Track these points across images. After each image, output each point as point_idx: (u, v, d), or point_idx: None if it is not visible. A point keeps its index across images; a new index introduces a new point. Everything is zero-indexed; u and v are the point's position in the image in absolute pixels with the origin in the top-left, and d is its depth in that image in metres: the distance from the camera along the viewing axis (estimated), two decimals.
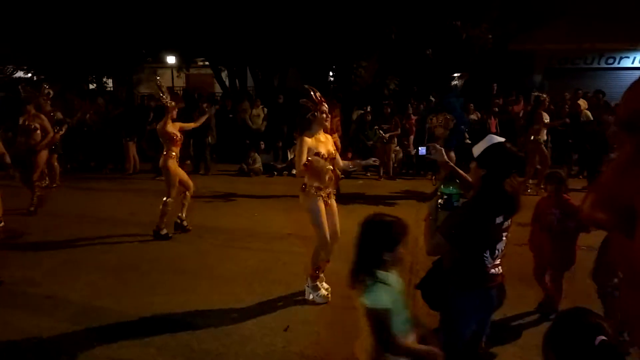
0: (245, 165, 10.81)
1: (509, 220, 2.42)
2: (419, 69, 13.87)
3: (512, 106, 11.38)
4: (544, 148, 8.72)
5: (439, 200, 2.53)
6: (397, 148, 10.79)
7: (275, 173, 10.80)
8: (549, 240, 3.86)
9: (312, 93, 4.13)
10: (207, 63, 16.91)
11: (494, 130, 10.71)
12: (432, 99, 11.72)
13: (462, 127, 8.63)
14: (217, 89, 17.30)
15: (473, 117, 11.06)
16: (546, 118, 8.62)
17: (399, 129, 10.72)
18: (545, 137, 8.74)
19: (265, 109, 12.15)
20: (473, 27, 12.65)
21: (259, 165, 10.88)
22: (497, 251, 2.40)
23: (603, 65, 14.28)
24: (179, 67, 18.63)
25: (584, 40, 13.39)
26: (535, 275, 4.06)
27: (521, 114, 10.47)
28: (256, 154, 10.96)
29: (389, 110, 10.90)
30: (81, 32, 13.26)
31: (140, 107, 12.93)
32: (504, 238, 2.42)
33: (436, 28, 12.48)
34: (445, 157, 2.85)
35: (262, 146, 11.34)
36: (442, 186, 2.57)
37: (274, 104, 12.40)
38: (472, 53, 13.58)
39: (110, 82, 19.71)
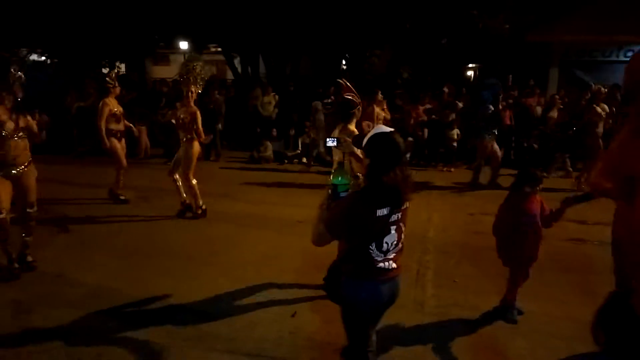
0: (256, 152, 10.80)
1: (399, 214, 2.31)
2: (433, 58, 13.72)
3: (526, 98, 11.21)
4: (601, 143, 8.46)
5: (328, 190, 2.46)
6: (410, 139, 10.70)
7: (286, 161, 10.78)
8: (529, 240, 3.74)
9: (352, 87, 4.20)
10: (219, 49, 16.88)
11: (507, 122, 10.59)
12: (445, 89, 11.61)
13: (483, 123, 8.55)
14: (229, 75, 17.27)
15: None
16: (603, 111, 8.37)
17: (412, 119, 10.62)
18: (602, 131, 8.40)
19: (277, 96, 12.10)
20: (490, 17, 12.45)
21: (270, 152, 10.86)
22: (385, 244, 2.28)
23: (622, 58, 13.93)
24: (191, 52, 18.60)
25: (602, 33, 13.06)
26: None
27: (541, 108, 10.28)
28: (268, 142, 10.94)
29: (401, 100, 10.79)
30: (95, 16, 13.25)
31: (153, 92, 12.95)
32: (392, 232, 2.30)
33: (452, 17, 12.29)
34: (354, 148, 2.95)
35: (274, 133, 11.31)
36: (331, 176, 2.49)
37: (286, 92, 12.35)
38: (488, 43, 13.39)
39: (123, 67, 19.74)
